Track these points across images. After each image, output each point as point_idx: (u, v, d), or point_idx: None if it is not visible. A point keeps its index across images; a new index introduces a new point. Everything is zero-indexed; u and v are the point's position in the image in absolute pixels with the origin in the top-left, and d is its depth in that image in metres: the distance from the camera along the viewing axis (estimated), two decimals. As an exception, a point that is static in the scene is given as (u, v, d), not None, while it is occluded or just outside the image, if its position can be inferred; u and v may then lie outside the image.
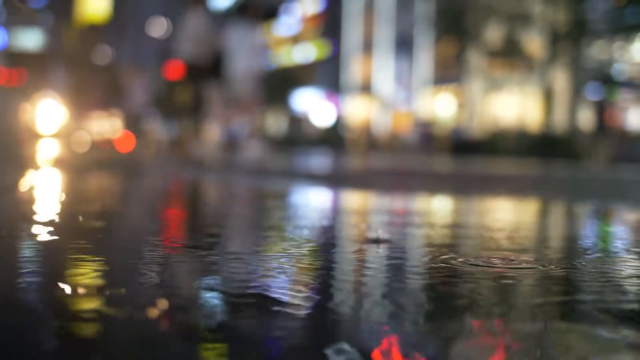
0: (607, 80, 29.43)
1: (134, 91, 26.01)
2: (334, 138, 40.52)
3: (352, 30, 49.46)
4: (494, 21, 29.95)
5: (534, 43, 29.77)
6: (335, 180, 6.29)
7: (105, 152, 16.15)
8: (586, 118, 31.95)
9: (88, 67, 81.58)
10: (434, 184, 6.07)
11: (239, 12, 11.47)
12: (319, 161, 12.65)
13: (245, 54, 10.59)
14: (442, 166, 12.21)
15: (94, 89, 69.76)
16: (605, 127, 23.67)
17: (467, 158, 20.58)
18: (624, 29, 26.87)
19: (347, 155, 19.05)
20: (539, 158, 21.25)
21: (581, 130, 27.66)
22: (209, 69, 10.72)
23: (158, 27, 78.69)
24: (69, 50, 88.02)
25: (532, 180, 7.77)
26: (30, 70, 45.67)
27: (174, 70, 12.53)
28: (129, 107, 26.39)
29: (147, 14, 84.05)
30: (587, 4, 26.75)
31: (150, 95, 25.61)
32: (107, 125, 51.76)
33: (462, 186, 5.73)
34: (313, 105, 51.31)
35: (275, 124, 57.49)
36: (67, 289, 1.26)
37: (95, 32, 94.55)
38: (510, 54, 30.45)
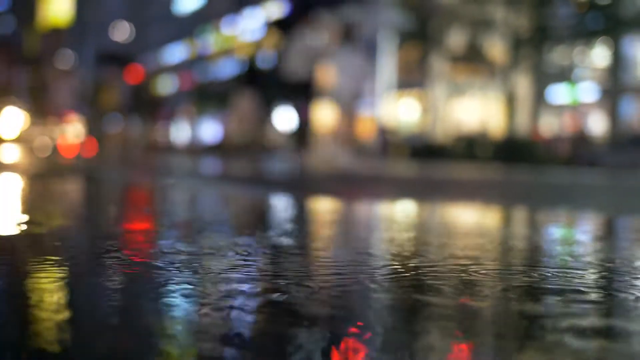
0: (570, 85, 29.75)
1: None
2: (298, 143, 40.43)
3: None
4: (456, 26, 30.12)
5: (497, 48, 29.98)
6: (284, 186, 6.19)
7: (66, 158, 15.95)
8: (548, 122, 32.23)
9: (51, 71, 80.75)
10: (380, 189, 5.99)
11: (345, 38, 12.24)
12: (280, 167, 12.56)
13: (348, 75, 11.48)
14: (395, 171, 12.17)
15: (56, 94, 69.00)
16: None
17: (427, 163, 20.59)
18: (584, 35, 27.15)
19: (309, 160, 18.98)
20: (502, 163, 21.36)
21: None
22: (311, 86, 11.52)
23: (120, 31, 78.22)
24: (31, 54, 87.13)
25: (482, 185, 7.73)
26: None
27: (135, 74, 12.89)
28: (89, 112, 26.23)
29: (109, 18, 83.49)
30: (549, 9, 26.98)
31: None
32: (69, 130, 51.30)
33: (406, 191, 5.65)
34: (277, 111, 51.16)
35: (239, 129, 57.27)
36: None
37: (58, 35, 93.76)
38: (472, 59, 30.64)
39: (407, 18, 30.56)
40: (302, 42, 11.37)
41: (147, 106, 66.66)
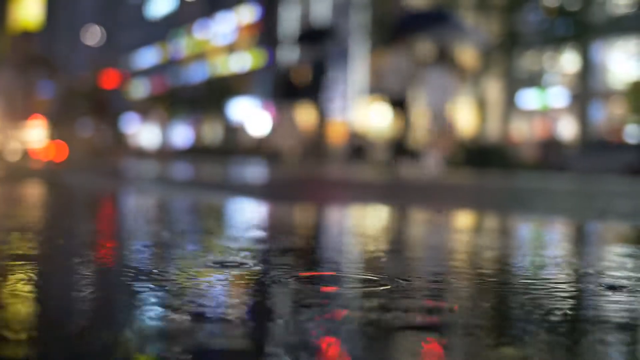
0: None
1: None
2: (269, 147, 40.34)
3: (288, 39, 49.42)
4: (427, 32, 30.18)
5: (467, 54, 30.08)
6: (253, 192, 6.13)
7: (36, 161, 15.80)
8: (518, 127, 32.41)
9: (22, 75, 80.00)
10: (349, 194, 5.95)
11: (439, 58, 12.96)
12: (250, 172, 12.50)
13: (439, 92, 12.12)
14: (366, 176, 12.15)
15: (28, 98, 68.41)
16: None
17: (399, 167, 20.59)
18: (554, 40, 27.34)
19: (279, 166, 18.94)
20: (473, 167, 21.39)
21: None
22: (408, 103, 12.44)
23: (92, 35, 77.72)
24: (1, 57, 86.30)
25: (454, 190, 7.72)
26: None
27: (109, 78, 13.44)
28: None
29: (81, 22, 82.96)
30: (519, 15, 27.15)
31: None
32: (40, 134, 50.87)
33: (375, 196, 5.61)
34: (249, 115, 51.11)
35: (211, 133, 57.15)
36: None
37: (29, 39, 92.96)
38: (443, 64, 30.70)
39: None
40: (397, 62, 12.06)
41: (120, 110, 66.30)
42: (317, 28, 21.36)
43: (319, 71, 17.13)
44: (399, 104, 12.77)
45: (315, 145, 25.65)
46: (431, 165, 11.97)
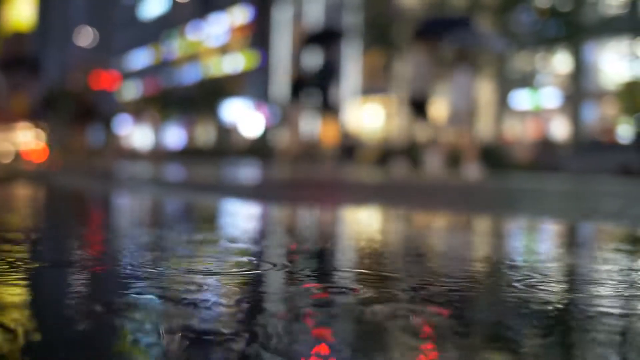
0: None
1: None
2: (262, 149, 40.34)
3: (281, 41, 49.44)
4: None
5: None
6: (254, 193, 6.12)
7: (29, 164, 15.77)
8: (511, 128, 32.49)
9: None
10: (345, 195, 5.95)
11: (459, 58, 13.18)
12: (244, 173, 12.49)
13: (462, 94, 12.44)
14: (355, 177, 12.16)
15: (16, 99, 68.36)
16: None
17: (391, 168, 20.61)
18: (546, 41, 27.40)
19: (274, 166, 18.93)
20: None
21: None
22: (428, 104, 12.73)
23: (84, 36, 77.64)
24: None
25: (448, 191, 7.72)
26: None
27: (99, 79, 13.55)
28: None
29: (73, 23, 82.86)
30: (511, 16, 27.19)
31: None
32: (32, 137, 50.95)
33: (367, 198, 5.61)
34: (242, 116, 51.14)
35: (204, 134, 57.14)
36: None
37: (21, 40, 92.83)
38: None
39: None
40: (420, 65, 12.46)
41: (113, 111, 66.25)
42: (327, 29, 21.72)
43: (328, 72, 17.45)
44: (421, 106, 13.04)
45: (311, 146, 25.69)
46: (469, 171, 12.34)
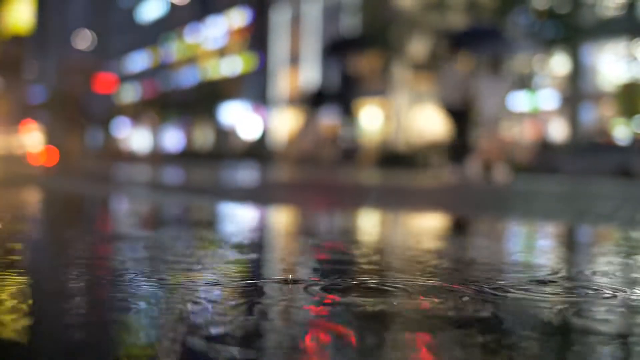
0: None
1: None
2: (261, 151, 40.37)
3: (279, 43, 49.45)
4: (418, 35, 30.29)
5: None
6: (252, 196, 6.13)
7: (30, 166, 15.77)
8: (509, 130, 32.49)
9: (13, 80, 79.90)
10: (342, 198, 5.97)
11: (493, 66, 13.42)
12: (242, 176, 12.50)
13: (493, 99, 12.71)
14: (347, 179, 12.18)
15: (19, 102, 68.31)
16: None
17: (391, 171, 20.64)
18: (544, 43, 27.43)
19: (273, 169, 18.93)
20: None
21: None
22: (466, 113, 12.92)
23: (83, 39, 77.61)
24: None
25: (444, 192, 7.74)
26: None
27: (104, 83, 13.88)
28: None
29: (72, 26, 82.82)
30: (509, 18, 27.21)
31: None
32: (31, 139, 50.97)
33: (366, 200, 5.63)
34: (240, 118, 51.13)
35: (202, 137, 57.13)
36: None
37: (19, 44, 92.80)
38: (434, 67, 30.78)
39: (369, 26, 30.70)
40: (453, 73, 12.75)
41: (109, 113, 66.13)
42: (348, 38, 22.23)
43: (349, 79, 18.02)
44: (455, 114, 13.30)
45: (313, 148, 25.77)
46: (498, 175, 12.57)
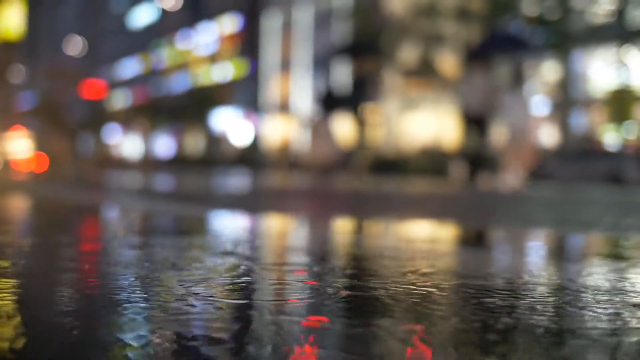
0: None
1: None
2: (252, 157, 40.36)
3: (270, 49, 49.49)
4: (408, 41, 30.35)
5: (448, 62, 30.24)
6: (244, 203, 6.11)
7: (18, 173, 15.72)
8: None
9: (3, 85, 79.76)
10: (333, 205, 5.96)
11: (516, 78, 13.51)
12: (234, 182, 12.48)
13: (518, 110, 12.82)
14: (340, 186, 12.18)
15: (9, 109, 68.19)
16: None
17: (382, 178, 20.65)
18: (535, 49, 27.49)
19: (265, 176, 18.92)
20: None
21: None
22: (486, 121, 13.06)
23: (74, 45, 77.48)
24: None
25: (438, 199, 7.74)
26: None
27: (92, 89, 13.84)
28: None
29: (63, 32, 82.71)
30: (499, 23, 27.29)
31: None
32: (20, 145, 50.87)
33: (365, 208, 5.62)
34: (231, 125, 51.12)
35: (193, 143, 57.08)
36: None
37: (9, 49, 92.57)
38: (425, 73, 30.88)
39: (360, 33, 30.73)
40: (476, 82, 12.83)
41: (97, 119, 66.01)
42: (364, 42, 22.46)
43: (362, 84, 18.22)
44: (477, 122, 13.44)
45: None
46: (511, 180, 12.71)
